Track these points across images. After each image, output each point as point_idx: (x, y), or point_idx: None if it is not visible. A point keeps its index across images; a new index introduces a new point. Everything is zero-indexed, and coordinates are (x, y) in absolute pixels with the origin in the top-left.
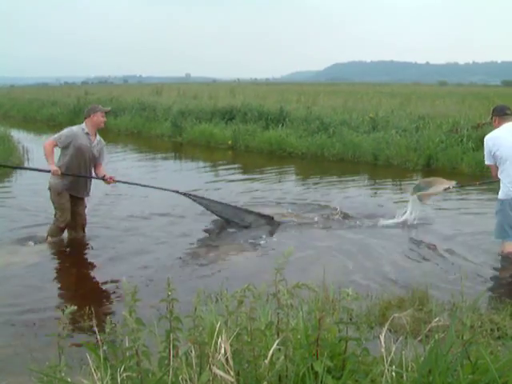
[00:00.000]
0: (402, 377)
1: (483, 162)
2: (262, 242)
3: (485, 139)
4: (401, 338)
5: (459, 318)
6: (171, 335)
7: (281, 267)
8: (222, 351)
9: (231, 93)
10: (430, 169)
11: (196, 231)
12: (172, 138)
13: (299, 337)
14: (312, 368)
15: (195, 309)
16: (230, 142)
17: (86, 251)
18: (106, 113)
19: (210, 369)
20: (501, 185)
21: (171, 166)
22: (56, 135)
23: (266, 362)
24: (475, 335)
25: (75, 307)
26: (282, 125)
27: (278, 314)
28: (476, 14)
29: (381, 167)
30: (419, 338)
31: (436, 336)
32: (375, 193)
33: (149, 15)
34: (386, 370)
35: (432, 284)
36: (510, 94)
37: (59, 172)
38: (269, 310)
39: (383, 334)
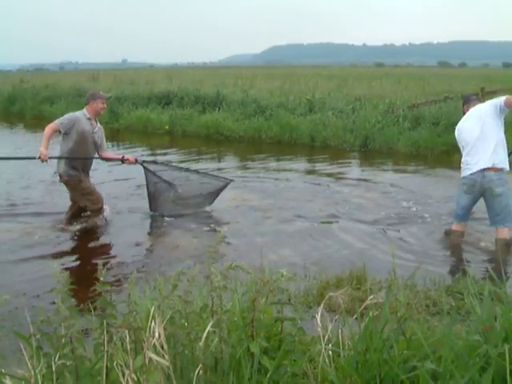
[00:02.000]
0: (339, 355)
1: (419, 141)
2: (216, 228)
3: None
4: (337, 317)
5: (394, 295)
6: (104, 321)
7: (213, 250)
8: (156, 335)
9: (168, 78)
10: (366, 149)
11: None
12: (109, 125)
13: (236, 319)
14: (249, 349)
15: (129, 294)
16: (167, 127)
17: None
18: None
19: (144, 353)
20: None
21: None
22: (58, 119)
23: (201, 344)
24: (409, 311)
25: (7, 296)
26: (219, 108)
27: (212, 296)
28: None
29: (318, 148)
30: (355, 316)
31: (370, 313)
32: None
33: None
34: (323, 349)
35: (370, 263)
36: (445, 74)
37: (47, 157)
38: (205, 293)
39: (319, 314)
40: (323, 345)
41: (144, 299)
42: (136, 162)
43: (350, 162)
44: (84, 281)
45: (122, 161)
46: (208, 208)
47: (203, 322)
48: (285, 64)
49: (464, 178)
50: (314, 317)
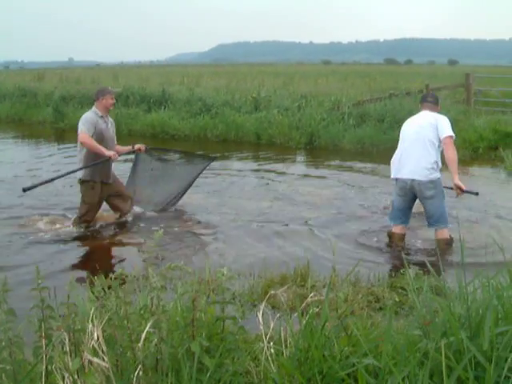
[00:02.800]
0: (282, 353)
1: (364, 138)
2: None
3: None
4: (278, 315)
5: (336, 292)
6: (43, 324)
7: (151, 250)
8: (95, 337)
9: (114, 76)
10: (312, 146)
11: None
12: (54, 124)
13: (178, 319)
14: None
15: (68, 296)
16: None
17: None
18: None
19: (81, 355)
20: None
21: (54, 152)
22: (83, 129)
23: (140, 345)
24: (349, 308)
25: None
26: (165, 107)
27: (152, 297)
28: None
29: (264, 146)
30: (296, 314)
31: (311, 311)
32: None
33: None
34: (266, 347)
35: (317, 260)
36: (392, 71)
37: (116, 155)
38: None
39: (261, 312)
40: (265, 343)
41: (84, 301)
42: (146, 149)
43: (296, 160)
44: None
45: (134, 151)
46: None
47: (145, 322)
48: (231, 62)
49: (396, 180)
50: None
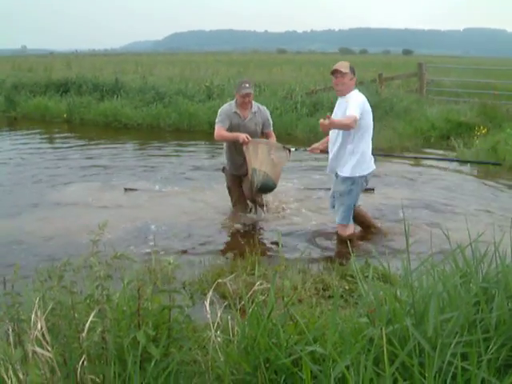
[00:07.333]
0: (230, 341)
1: (317, 126)
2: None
3: (362, 97)
4: (225, 303)
5: (283, 280)
6: None
7: (96, 239)
8: (39, 327)
9: (67, 65)
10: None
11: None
12: (6, 113)
13: (125, 308)
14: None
15: (12, 286)
16: (65, 116)
17: None
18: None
19: (22, 345)
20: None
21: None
22: (217, 121)
23: (84, 334)
24: (296, 295)
25: None
26: (117, 96)
27: (97, 286)
28: None
29: None
30: (242, 303)
31: (256, 299)
32: None
33: None
34: (213, 336)
35: (265, 249)
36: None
37: (246, 139)
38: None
39: (208, 301)
40: (213, 331)
41: (29, 291)
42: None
43: None
44: None
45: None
46: (103, 195)
47: (90, 312)
48: (186, 51)
49: (365, 175)
50: (210, 304)
